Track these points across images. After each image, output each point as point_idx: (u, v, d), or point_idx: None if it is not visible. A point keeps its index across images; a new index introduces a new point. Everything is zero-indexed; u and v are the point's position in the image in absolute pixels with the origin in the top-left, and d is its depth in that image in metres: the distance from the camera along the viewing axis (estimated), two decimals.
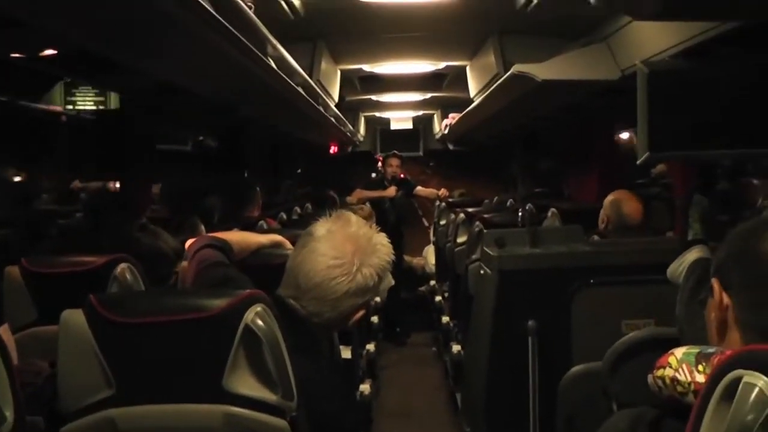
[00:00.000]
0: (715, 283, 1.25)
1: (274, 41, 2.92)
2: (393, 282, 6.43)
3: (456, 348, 4.82)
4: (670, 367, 1.26)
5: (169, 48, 2.46)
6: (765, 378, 0.92)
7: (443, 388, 5.95)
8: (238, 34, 2.36)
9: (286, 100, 3.80)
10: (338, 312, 1.84)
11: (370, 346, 4.62)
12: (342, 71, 5.62)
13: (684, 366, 1.24)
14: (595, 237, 3.87)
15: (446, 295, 6.30)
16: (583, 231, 3.86)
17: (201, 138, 7.45)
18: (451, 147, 9.97)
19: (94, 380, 1.48)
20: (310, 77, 4.08)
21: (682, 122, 2.47)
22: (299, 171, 10.02)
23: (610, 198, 3.98)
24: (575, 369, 2.56)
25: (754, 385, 0.92)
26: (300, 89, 3.73)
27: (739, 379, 0.94)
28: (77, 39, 2.23)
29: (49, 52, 2.45)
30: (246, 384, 1.47)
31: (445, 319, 5.85)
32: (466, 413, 4.21)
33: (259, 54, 2.68)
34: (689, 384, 1.22)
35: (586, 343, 3.05)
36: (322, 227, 1.88)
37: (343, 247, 1.82)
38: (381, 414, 5.31)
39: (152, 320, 1.45)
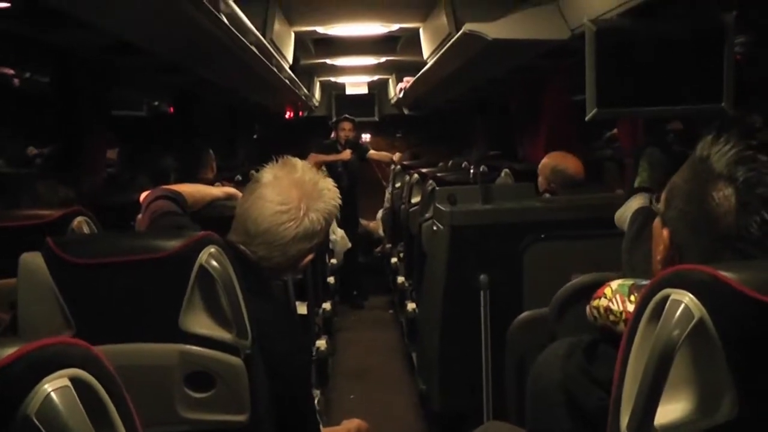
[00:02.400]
0: (665, 234, 1.27)
1: None
2: (350, 245, 6.48)
3: (411, 306, 4.87)
4: (605, 297, 1.31)
5: (121, 1, 2.45)
6: (690, 295, 0.94)
7: (399, 349, 6.02)
8: None
9: (239, 59, 3.79)
10: (287, 257, 1.88)
11: (326, 305, 4.66)
12: (296, 33, 5.61)
13: (617, 296, 1.29)
14: (547, 195, 3.93)
15: (402, 256, 6.35)
16: (535, 189, 3.93)
17: (156, 103, 7.40)
18: (406, 112, 10.00)
19: (54, 322, 1.49)
20: (263, 37, 4.07)
21: (629, 79, 2.54)
22: (255, 136, 9.98)
23: (549, 163, 4.03)
24: (523, 315, 2.60)
25: (680, 302, 0.94)
26: (253, 48, 3.72)
27: (666, 298, 0.97)
28: None
29: (2, 5, 2.43)
30: (201, 323, 1.50)
31: (401, 279, 5.90)
32: (421, 371, 4.28)
33: (212, 9, 2.68)
34: (621, 313, 1.26)
35: (537, 296, 3.08)
36: (268, 173, 1.91)
37: (289, 192, 1.86)
38: (338, 374, 5.38)
39: (109, 260, 1.47)
